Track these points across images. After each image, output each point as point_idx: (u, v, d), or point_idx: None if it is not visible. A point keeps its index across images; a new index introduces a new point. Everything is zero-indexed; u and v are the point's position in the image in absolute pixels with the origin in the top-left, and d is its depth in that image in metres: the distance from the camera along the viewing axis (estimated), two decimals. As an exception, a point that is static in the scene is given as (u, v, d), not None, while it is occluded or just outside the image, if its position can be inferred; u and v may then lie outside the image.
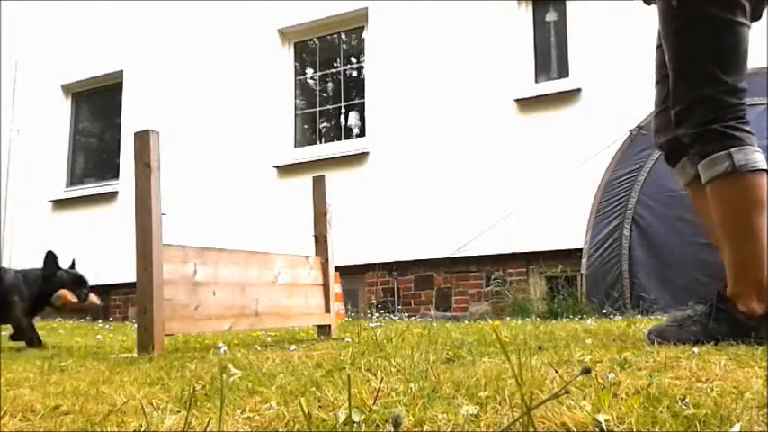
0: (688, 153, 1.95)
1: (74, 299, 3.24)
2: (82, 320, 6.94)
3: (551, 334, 2.58)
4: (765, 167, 1.78)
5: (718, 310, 1.80)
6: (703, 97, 1.80)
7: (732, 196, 1.80)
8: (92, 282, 3.42)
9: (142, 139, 2.45)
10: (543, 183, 5.34)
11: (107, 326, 5.63)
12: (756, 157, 1.78)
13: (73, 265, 3.44)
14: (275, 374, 1.51)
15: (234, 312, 2.72)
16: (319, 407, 1.10)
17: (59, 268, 3.31)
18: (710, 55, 1.80)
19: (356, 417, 0.96)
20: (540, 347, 1.80)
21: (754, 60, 2.14)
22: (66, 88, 8.60)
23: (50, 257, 3.29)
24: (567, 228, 5.19)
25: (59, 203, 8.24)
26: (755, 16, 1.88)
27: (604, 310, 4.44)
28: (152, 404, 1.21)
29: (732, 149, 1.77)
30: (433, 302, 6.08)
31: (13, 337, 3.31)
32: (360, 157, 6.57)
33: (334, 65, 7.33)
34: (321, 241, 3.36)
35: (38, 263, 3.34)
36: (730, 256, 1.83)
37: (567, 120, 5.62)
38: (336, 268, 3.60)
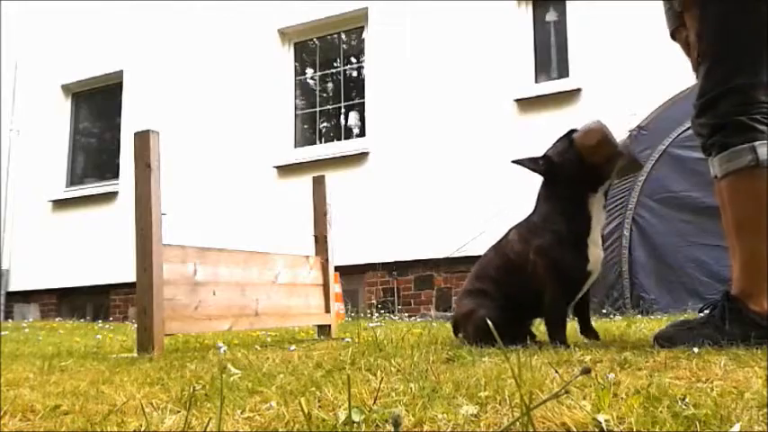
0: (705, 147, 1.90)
1: None
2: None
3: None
4: None
5: (731, 312, 1.74)
6: (735, 87, 1.76)
7: (752, 191, 1.75)
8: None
9: (142, 139, 2.45)
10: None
11: (107, 326, 5.63)
12: None
13: None
14: (275, 374, 1.51)
15: (234, 312, 2.72)
16: (319, 407, 1.10)
17: None
18: (748, 50, 1.77)
19: (356, 417, 0.96)
20: (540, 347, 1.80)
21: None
22: (67, 88, 8.60)
23: None
24: (567, 228, 5.18)
25: (59, 203, 8.24)
26: None
27: (604, 310, 4.44)
28: (152, 404, 1.21)
29: (756, 143, 1.72)
30: (433, 302, 6.08)
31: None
32: (360, 157, 6.56)
33: (334, 65, 7.32)
34: (321, 241, 3.36)
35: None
36: (743, 254, 1.78)
37: (567, 120, 5.60)
38: (336, 268, 3.60)
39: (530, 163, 2.09)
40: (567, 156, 2.01)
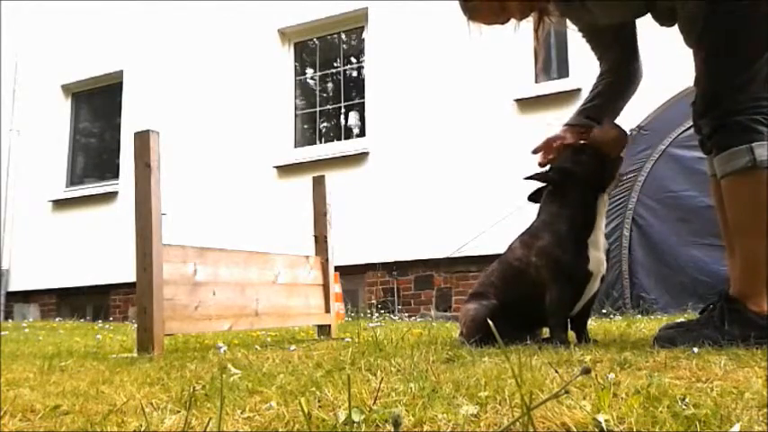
0: (704, 145, 1.90)
1: None
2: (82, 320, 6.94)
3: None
4: None
5: (731, 312, 1.74)
6: (736, 88, 1.75)
7: (750, 192, 1.74)
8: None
9: (142, 139, 2.45)
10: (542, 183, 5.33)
11: (107, 326, 5.63)
12: None
13: None
14: (275, 374, 1.51)
15: (234, 312, 2.73)
16: (319, 407, 1.10)
17: None
18: (749, 50, 1.77)
19: (356, 417, 0.96)
20: (539, 347, 1.80)
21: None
22: (67, 88, 8.60)
23: None
24: (567, 228, 5.18)
25: (59, 203, 8.24)
26: None
27: (604, 310, 4.44)
28: (152, 404, 1.21)
29: (753, 144, 1.71)
30: (433, 302, 6.08)
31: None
32: (360, 157, 6.57)
33: (334, 65, 7.33)
34: (321, 241, 3.36)
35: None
36: (743, 255, 1.78)
37: (567, 120, 5.61)
38: (336, 268, 3.60)
39: (541, 175, 2.14)
40: (583, 156, 2.05)
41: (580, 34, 2.25)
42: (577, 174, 2.05)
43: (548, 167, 2.17)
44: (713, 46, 1.83)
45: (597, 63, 2.34)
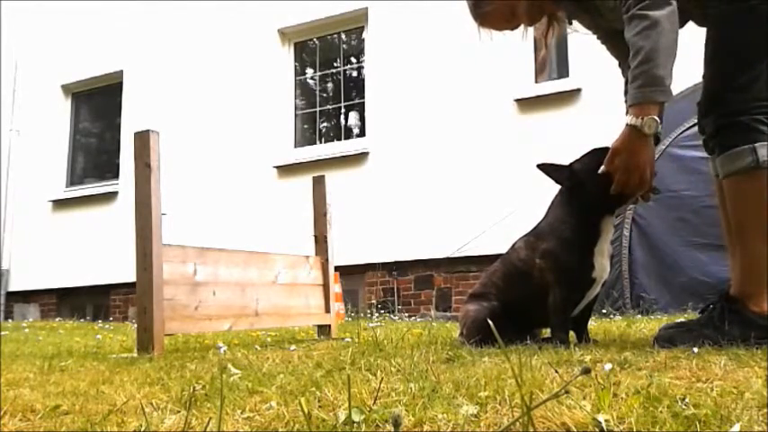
0: (707, 145, 1.90)
1: None
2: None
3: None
4: None
5: (731, 312, 1.74)
6: (738, 88, 1.76)
7: (752, 192, 1.75)
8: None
9: (142, 139, 2.45)
10: (543, 183, 5.32)
11: (107, 326, 5.63)
12: None
13: None
14: (275, 374, 1.51)
15: (234, 312, 2.73)
16: (319, 407, 1.10)
17: None
18: (751, 50, 1.77)
19: (356, 417, 0.96)
20: (539, 347, 1.80)
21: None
22: (67, 88, 8.60)
23: None
24: (567, 228, 5.18)
25: (59, 203, 8.24)
26: None
27: (604, 310, 4.44)
28: (152, 404, 1.21)
29: (756, 144, 1.72)
30: (433, 302, 6.08)
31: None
32: (360, 157, 6.56)
33: (334, 65, 7.32)
34: (321, 241, 3.36)
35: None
36: (744, 255, 1.78)
37: (567, 120, 5.62)
38: (336, 268, 3.60)
39: (554, 172, 2.08)
40: (597, 180, 1.95)
41: (595, 37, 2.24)
42: (590, 192, 1.99)
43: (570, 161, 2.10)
44: (716, 47, 1.83)
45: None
